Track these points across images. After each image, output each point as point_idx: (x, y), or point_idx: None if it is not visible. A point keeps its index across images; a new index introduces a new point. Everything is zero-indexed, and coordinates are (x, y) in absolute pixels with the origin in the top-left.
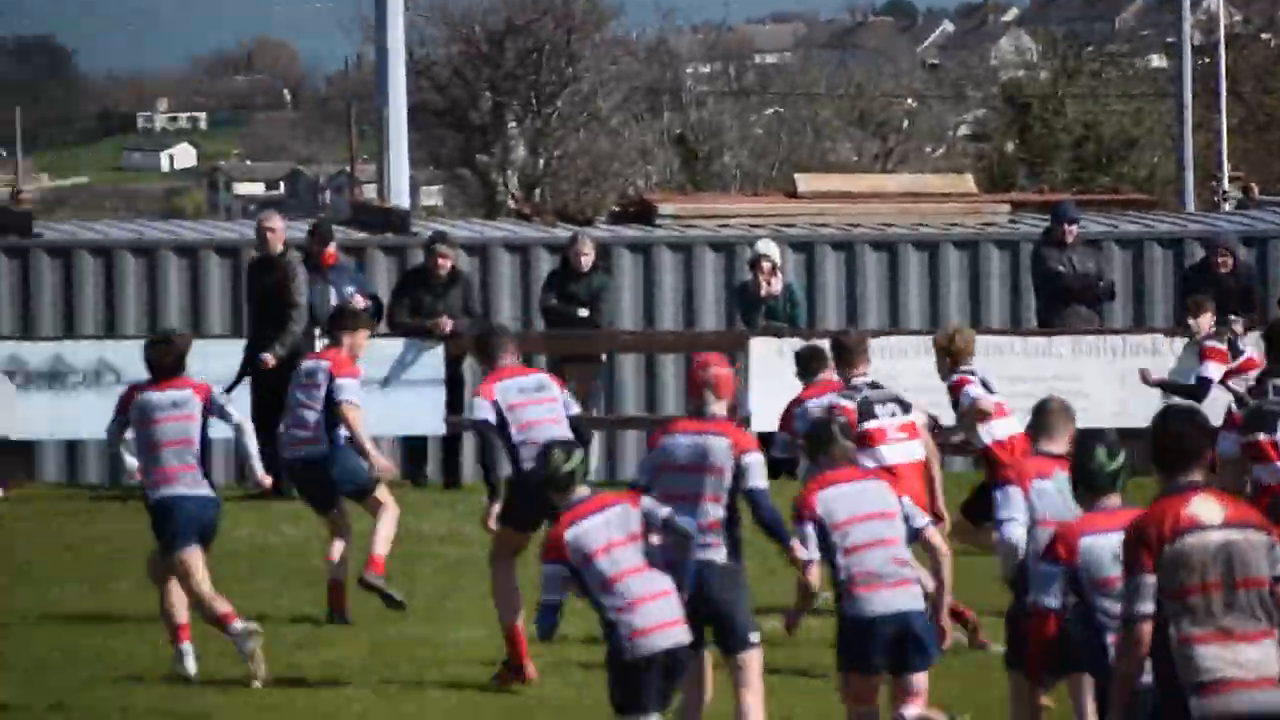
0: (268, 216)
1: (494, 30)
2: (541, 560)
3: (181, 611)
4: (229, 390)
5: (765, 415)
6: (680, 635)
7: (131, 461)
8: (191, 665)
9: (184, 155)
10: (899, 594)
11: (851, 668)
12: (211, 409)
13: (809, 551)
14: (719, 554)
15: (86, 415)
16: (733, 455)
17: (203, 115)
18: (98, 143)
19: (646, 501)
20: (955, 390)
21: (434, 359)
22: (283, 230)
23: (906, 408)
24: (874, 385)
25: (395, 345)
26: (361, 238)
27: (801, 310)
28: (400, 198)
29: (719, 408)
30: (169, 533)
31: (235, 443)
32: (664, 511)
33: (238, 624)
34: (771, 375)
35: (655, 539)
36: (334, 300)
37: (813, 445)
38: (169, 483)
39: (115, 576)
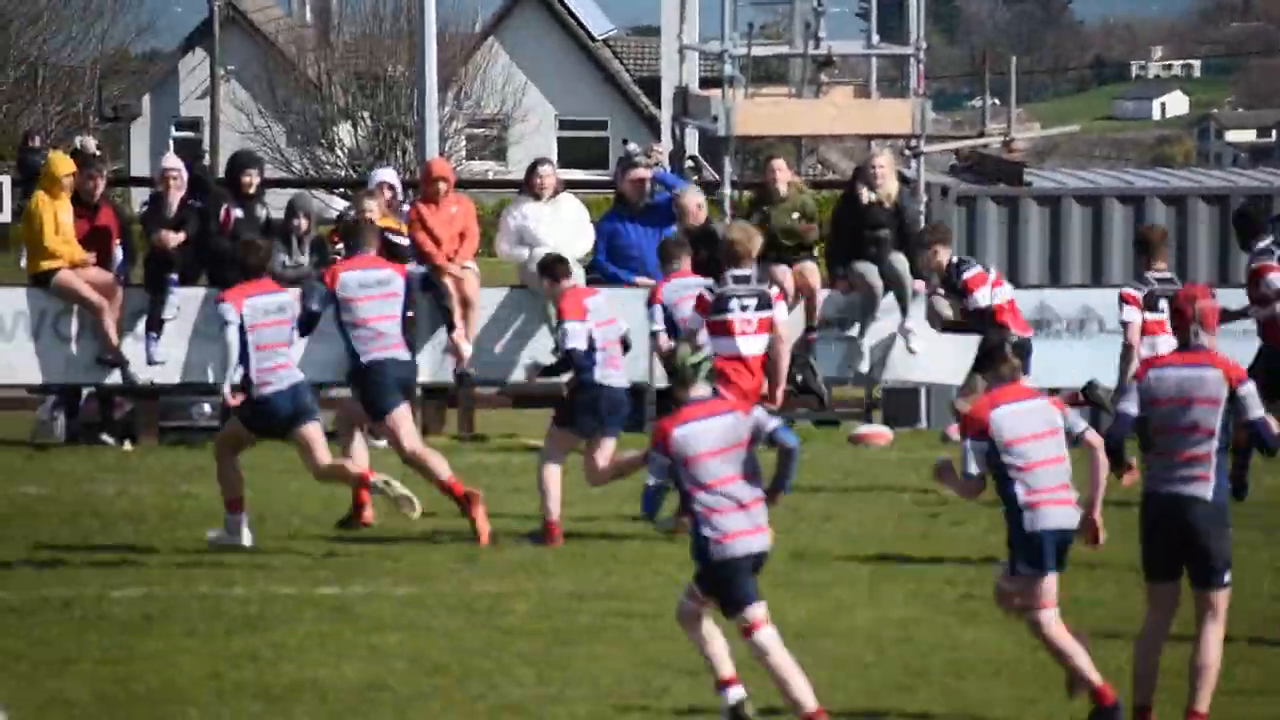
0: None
1: None
2: (650, 445)
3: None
4: None
5: None
6: (757, 543)
7: None
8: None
9: (1175, 103)
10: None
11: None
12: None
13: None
14: (1206, 488)
15: (1069, 363)
16: (1226, 386)
17: (1196, 63)
18: (1090, 91)
19: (759, 412)
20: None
21: None
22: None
23: None
24: (1165, 280)
25: None
26: None
27: None
28: None
29: (1206, 339)
30: None
31: None
32: (772, 424)
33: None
34: None
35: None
36: None
37: (984, 362)
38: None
39: None
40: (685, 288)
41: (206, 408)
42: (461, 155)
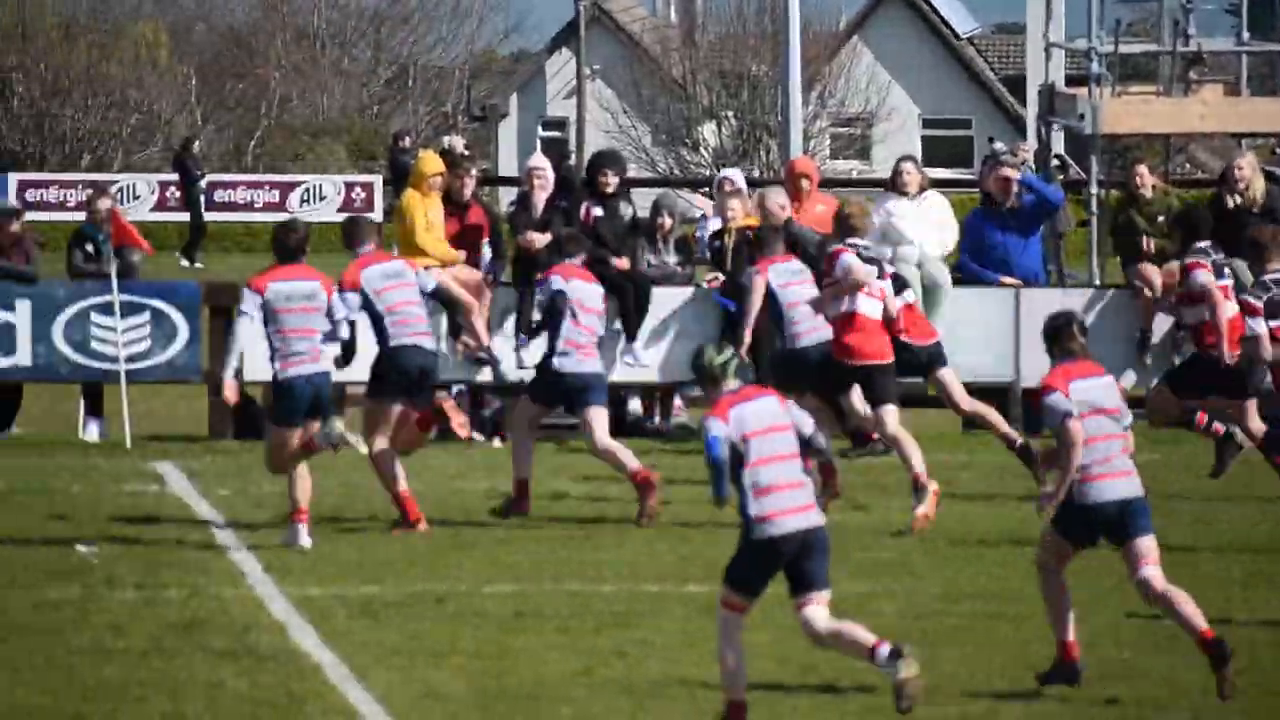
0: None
1: None
2: (710, 415)
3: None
4: None
5: None
6: (805, 520)
7: None
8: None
9: None
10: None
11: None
12: None
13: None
14: None
15: None
16: None
17: None
18: None
19: (795, 410)
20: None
21: None
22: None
23: None
24: None
25: None
26: None
27: None
28: None
29: None
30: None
31: None
32: (808, 429)
33: None
34: None
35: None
36: None
37: (1051, 338)
38: None
39: None
40: (791, 272)
41: None
42: (825, 154)
